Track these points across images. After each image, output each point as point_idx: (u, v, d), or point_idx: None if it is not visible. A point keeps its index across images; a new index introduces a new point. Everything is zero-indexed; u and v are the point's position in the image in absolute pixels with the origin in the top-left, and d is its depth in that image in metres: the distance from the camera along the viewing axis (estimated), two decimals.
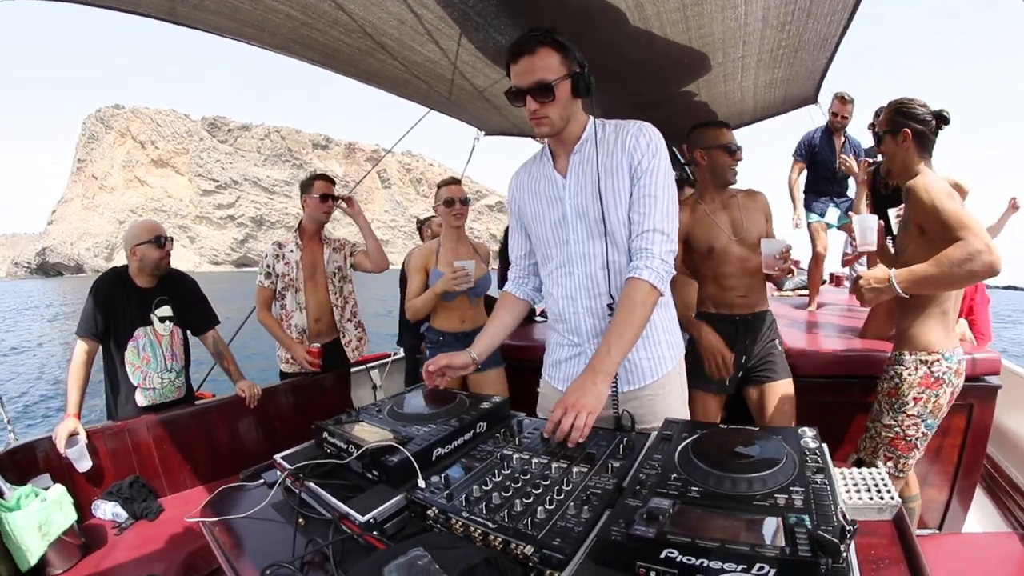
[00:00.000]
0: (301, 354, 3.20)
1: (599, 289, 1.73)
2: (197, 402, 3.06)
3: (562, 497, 1.07)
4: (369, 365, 4.43)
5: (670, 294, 1.80)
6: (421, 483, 1.10)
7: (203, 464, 2.79)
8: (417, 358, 3.96)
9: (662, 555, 0.83)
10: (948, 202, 1.92)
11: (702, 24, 2.21)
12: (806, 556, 0.78)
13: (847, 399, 2.76)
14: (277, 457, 1.38)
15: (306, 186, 3.35)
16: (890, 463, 2.18)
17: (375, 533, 1.03)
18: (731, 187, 2.63)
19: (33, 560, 2.02)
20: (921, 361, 2.11)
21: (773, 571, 0.77)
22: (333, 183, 3.41)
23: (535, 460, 1.23)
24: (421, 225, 4.74)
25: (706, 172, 2.58)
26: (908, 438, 2.15)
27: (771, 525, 0.86)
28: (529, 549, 0.91)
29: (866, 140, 4.71)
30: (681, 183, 3.59)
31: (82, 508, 2.38)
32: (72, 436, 2.46)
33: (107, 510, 2.43)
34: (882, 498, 1.28)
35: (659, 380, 1.77)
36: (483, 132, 4.07)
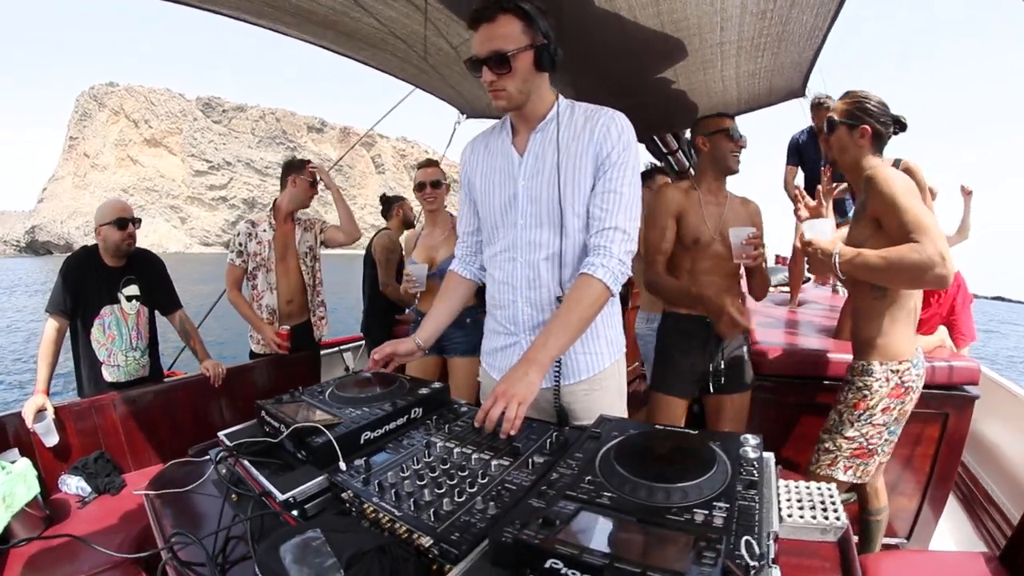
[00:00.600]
0: (270, 335, 3.22)
1: (541, 280, 1.66)
2: (165, 380, 3.09)
3: (475, 490, 1.06)
4: (342, 347, 4.47)
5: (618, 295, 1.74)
6: (342, 465, 1.12)
7: (167, 441, 2.84)
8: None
9: (547, 565, 0.78)
10: (909, 199, 1.86)
11: (674, 8, 2.16)
12: None
13: (813, 400, 2.73)
14: (220, 434, 1.40)
15: (298, 167, 3.35)
16: (850, 472, 2.13)
17: (294, 512, 1.06)
18: (728, 190, 2.58)
19: None
20: (892, 371, 2.06)
21: None
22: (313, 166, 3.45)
23: (457, 450, 1.23)
24: (389, 205, 4.57)
25: (707, 160, 2.53)
26: (871, 446, 2.11)
27: (678, 544, 0.80)
28: (428, 541, 0.91)
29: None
30: (654, 172, 3.56)
31: (49, 482, 2.45)
32: (40, 412, 2.51)
33: (72, 484, 2.47)
34: (827, 518, 1.18)
35: (595, 376, 1.72)
36: (464, 115, 4.05)
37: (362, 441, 1.25)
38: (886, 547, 2.72)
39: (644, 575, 0.71)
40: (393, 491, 1.04)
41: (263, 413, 1.38)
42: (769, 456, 1.15)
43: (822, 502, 1.21)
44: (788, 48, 2.52)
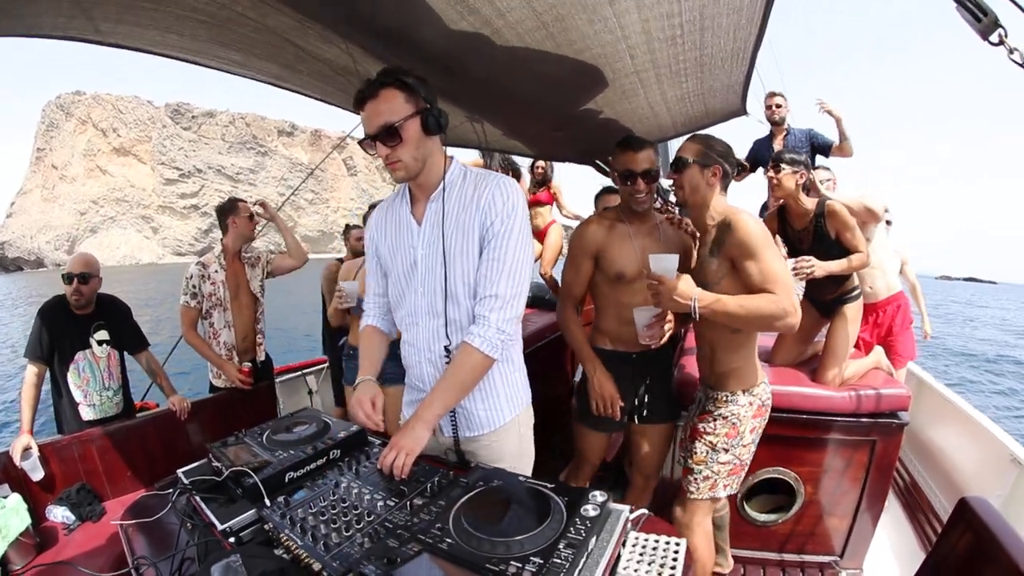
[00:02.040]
0: (234, 374, 3.48)
1: (440, 344, 1.74)
2: (139, 414, 3.36)
3: (360, 526, 1.29)
4: (305, 372, 4.71)
5: (514, 353, 1.86)
6: (267, 502, 1.42)
7: (142, 470, 3.09)
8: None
9: None
10: (768, 250, 1.96)
11: (572, 40, 2.04)
12: None
13: None
14: (179, 472, 1.68)
15: (229, 209, 3.57)
16: (728, 488, 2.24)
17: (231, 539, 1.36)
18: (657, 219, 2.52)
19: None
20: (753, 396, 2.18)
21: None
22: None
23: (356, 490, 1.47)
24: (345, 233, 4.71)
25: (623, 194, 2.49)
26: (742, 461, 2.23)
27: None
28: (317, 566, 1.17)
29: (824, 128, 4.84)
30: (603, 192, 3.74)
31: (37, 512, 2.65)
32: (26, 450, 2.75)
33: (58, 514, 2.70)
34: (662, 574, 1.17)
35: (496, 430, 1.82)
36: None
37: (287, 480, 1.53)
38: (816, 565, 2.90)
39: None
40: (299, 525, 1.32)
41: (211, 454, 1.68)
42: (620, 510, 1.28)
43: (664, 558, 1.20)
44: (713, 72, 2.43)
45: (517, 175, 5.17)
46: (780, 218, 3.05)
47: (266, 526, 1.38)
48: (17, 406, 3.02)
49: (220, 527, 1.38)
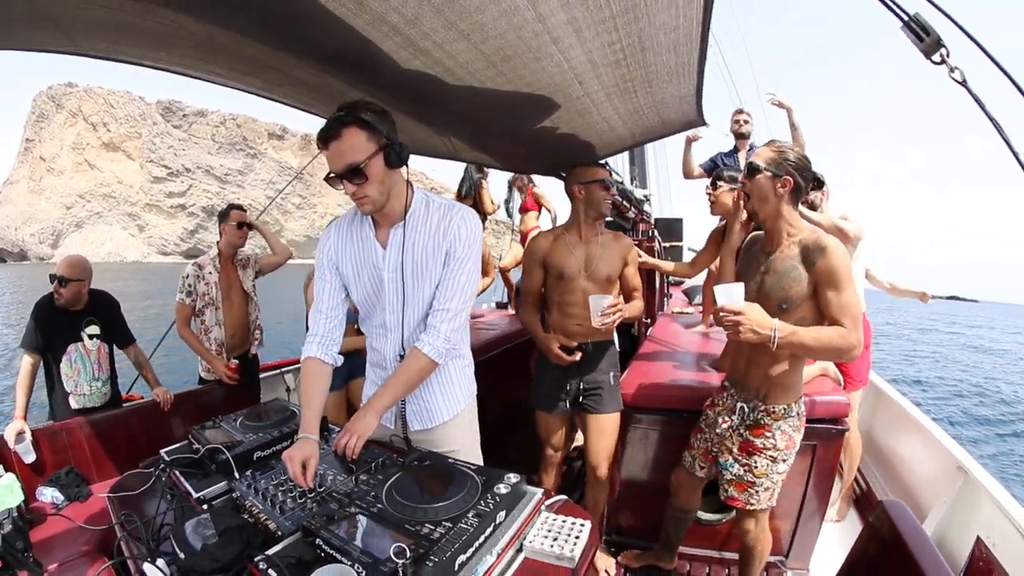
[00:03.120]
0: (221, 369, 3.71)
1: (404, 352, 1.93)
2: (124, 404, 3.57)
3: (312, 495, 1.56)
4: (284, 370, 4.89)
5: (457, 362, 2.06)
6: (236, 475, 1.68)
7: (125, 457, 3.26)
8: None
9: (316, 541, 1.28)
10: (849, 283, 1.99)
11: (521, 75, 2.11)
12: (385, 572, 1.12)
13: (678, 433, 2.81)
14: (162, 452, 1.93)
15: (223, 216, 3.85)
16: (775, 495, 2.31)
17: (204, 506, 1.60)
18: (601, 227, 2.84)
19: None
20: (800, 409, 2.24)
21: (363, 572, 1.16)
22: (245, 211, 3.93)
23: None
24: None
25: (581, 205, 2.78)
26: (789, 469, 2.31)
27: (392, 542, 1.19)
28: (273, 525, 1.44)
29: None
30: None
31: (28, 493, 2.78)
32: (20, 434, 2.93)
33: (48, 494, 2.84)
34: (561, 549, 1.35)
35: (452, 419, 2.04)
36: None
37: (255, 458, 1.79)
38: (766, 564, 2.85)
39: (356, 556, 1.19)
40: (261, 493, 1.58)
41: (191, 436, 1.93)
42: (533, 492, 1.55)
43: (567, 535, 1.41)
44: (662, 87, 2.47)
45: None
46: (724, 234, 3.12)
47: (234, 495, 1.63)
48: (11, 394, 3.23)
49: (195, 495, 1.63)
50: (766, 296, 2.12)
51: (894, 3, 1.33)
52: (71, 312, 3.31)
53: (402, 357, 1.91)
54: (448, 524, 1.31)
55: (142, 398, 3.81)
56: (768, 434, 2.21)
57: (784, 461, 2.24)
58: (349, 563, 1.20)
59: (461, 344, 2.05)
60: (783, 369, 2.16)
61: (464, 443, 2.08)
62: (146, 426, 3.47)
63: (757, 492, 2.26)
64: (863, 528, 1.95)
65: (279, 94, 2.48)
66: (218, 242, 3.92)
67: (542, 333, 2.80)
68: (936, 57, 1.33)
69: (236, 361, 3.85)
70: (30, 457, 2.99)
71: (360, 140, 1.65)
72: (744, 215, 2.52)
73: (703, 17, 1.74)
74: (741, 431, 2.30)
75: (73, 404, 3.32)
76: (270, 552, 1.29)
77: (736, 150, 5.17)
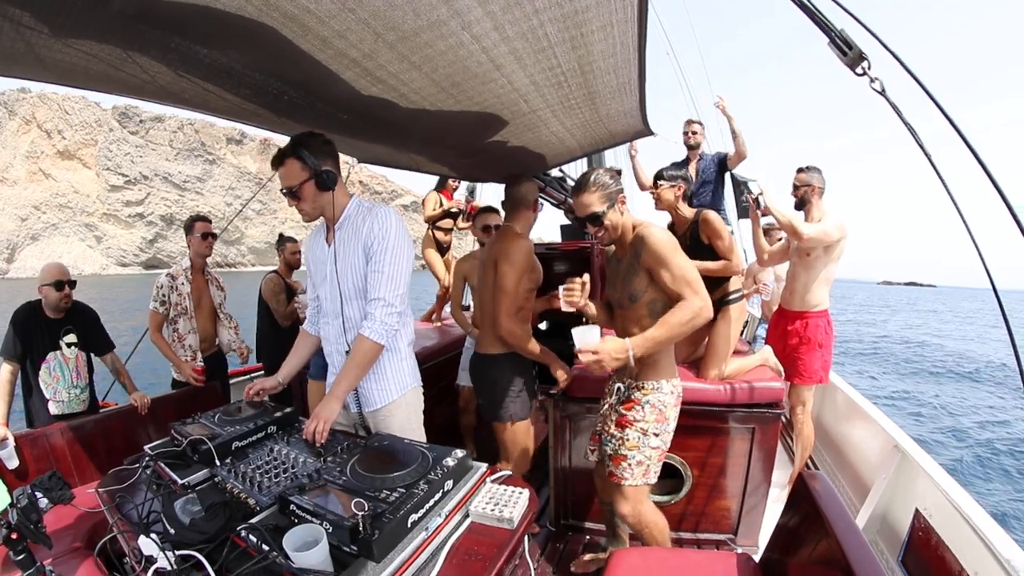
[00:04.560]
0: (188, 372, 3.91)
1: (343, 337, 2.30)
2: (101, 410, 3.69)
3: (285, 475, 1.76)
4: (252, 375, 5.06)
5: (403, 343, 2.36)
6: (217, 462, 1.86)
7: (105, 460, 3.36)
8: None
9: (290, 507, 1.50)
10: (675, 257, 2.18)
11: (470, 96, 2.29)
12: (348, 526, 1.34)
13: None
14: (146, 447, 2.08)
15: (188, 227, 4.07)
16: (652, 473, 2.39)
17: (189, 491, 1.77)
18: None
19: None
20: (673, 385, 2.38)
21: (330, 528, 1.37)
22: (209, 221, 4.16)
23: (285, 451, 1.94)
24: (279, 245, 5.11)
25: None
26: (666, 446, 2.41)
27: (356, 504, 1.41)
28: (252, 501, 1.63)
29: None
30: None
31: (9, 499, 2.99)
32: (2, 440, 3.02)
33: None
34: (502, 512, 1.60)
35: (388, 405, 2.32)
36: (356, 160, 3.95)
37: (233, 448, 1.97)
38: (713, 543, 3.16)
39: (324, 517, 1.41)
40: (242, 475, 1.77)
41: (173, 431, 2.10)
42: (478, 466, 1.84)
43: (507, 502, 1.66)
44: (606, 103, 2.65)
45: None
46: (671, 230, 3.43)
47: (216, 479, 1.81)
48: None
49: (180, 481, 1.80)
50: (621, 296, 2.40)
51: (823, 20, 1.48)
52: (51, 320, 3.43)
53: (342, 342, 2.31)
54: (402, 490, 1.55)
55: (116, 405, 3.94)
56: (638, 407, 2.35)
57: (656, 435, 2.35)
58: (318, 523, 1.42)
59: (399, 338, 2.33)
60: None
61: (403, 428, 2.32)
62: (124, 429, 3.60)
63: (630, 466, 2.36)
64: (788, 499, 2.10)
65: (247, 119, 2.69)
66: (188, 253, 4.13)
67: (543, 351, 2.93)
68: (859, 70, 1.49)
69: (202, 364, 4.05)
70: (13, 463, 3.08)
71: (295, 169, 2.12)
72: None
73: (638, 43, 1.94)
74: (617, 407, 2.45)
75: (52, 410, 3.43)
76: (252, 521, 1.50)
77: (688, 160, 5.41)
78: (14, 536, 1.56)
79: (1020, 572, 1.98)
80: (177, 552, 1.39)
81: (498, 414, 2.98)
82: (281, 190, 2.18)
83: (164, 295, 3.97)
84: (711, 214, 3.25)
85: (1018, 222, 1.45)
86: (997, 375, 19.04)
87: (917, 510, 2.79)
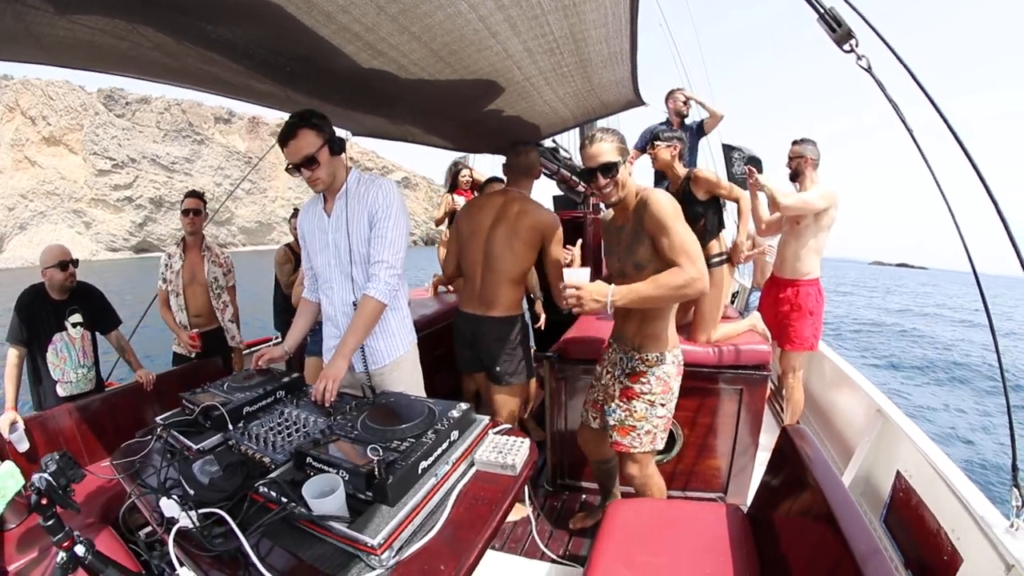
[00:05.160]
0: (184, 337, 4.06)
1: (348, 298, 2.40)
2: (106, 390, 3.75)
3: (299, 434, 1.84)
4: (253, 349, 4.98)
5: (404, 303, 2.50)
6: (230, 427, 1.92)
7: (113, 438, 3.36)
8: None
9: (307, 461, 1.58)
10: (675, 223, 2.16)
11: (466, 65, 2.36)
12: (362, 472, 1.43)
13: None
14: (158, 419, 2.12)
15: (181, 203, 4.14)
16: (660, 440, 2.47)
17: (205, 455, 1.84)
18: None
19: None
20: (675, 356, 2.44)
21: (347, 476, 1.46)
22: (199, 196, 4.22)
23: (295, 413, 2.01)
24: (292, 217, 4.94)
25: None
26: (671, 415, 2.49)
27: (369, 452, 1.52)
28: (267, 459, 1.70)
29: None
30: (492, 180, 4.15)
31: (24, 480, 3.00)
32: (13, 424, 3.05)
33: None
34: (505, 459, 1.72)
35: (395, 360, 2.46)
36: (350, 133, 3.89)
37: (244, 412, 2.03)
38: (703, 501, 3.14)
39: (340, 466, 1.50)
40: (256, 437, 1.83)
41: (184, 401, 2.15)
42: (482, 418, 1.93)
43: (510, 450, 1.77)
44: (598, 72, 2.70)
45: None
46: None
47: (230, 443, 1.87)
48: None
49: (195, 447, 1.86)
50: (623, 262, 2.40)
51: None
52: (55, 302, 3.46)
53: (355, 304, 2.38)
54: (412, 440, 1.63)
55: (119, 384, 4.02)
56: (644, 380, 2.41)
57: (662, 405, 2.43)
58: (335, 472, 1.50)
59: (400, 297, 2.47)
60: (651, 321, 2.39)
61: (408, 382, 2.49)
62: (131, 407, 3.66)
63: (639, 435, 2.43)
64: (773, 453, 2.19)
65: (245, 95, 2.76)
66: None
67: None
68: (846, 47, 1.53)
69: (196, 331, 4.16)
70: (24, 446, 3.12)
71: (311, 137, 2.18)
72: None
73: (631, 15, 2.02)
74: (621, 379, 2.50)
75: (60, 392, 3.47)
76: (269, 477, 1.57)
77: (669, 124, 5.46)
78: (44, 502, 1.62)
79: (994, 528, 2.04)
80: (199, 511, 1.45)
81: (514, 377, 3.03)
82: (287, 167, 2.25)
83: (162, 272, 4.12)
84: (700, 170, 3.36)
85: (995, 203, 1.51)
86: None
87: (898, 471, 2.88)
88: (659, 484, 2.58)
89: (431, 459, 1.61)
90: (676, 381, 2.46)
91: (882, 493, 3.02)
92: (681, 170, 3.47)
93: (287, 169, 2.27)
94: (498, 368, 3.00)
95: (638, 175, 5.34)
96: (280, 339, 5.03)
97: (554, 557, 2.88)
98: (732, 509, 2.26)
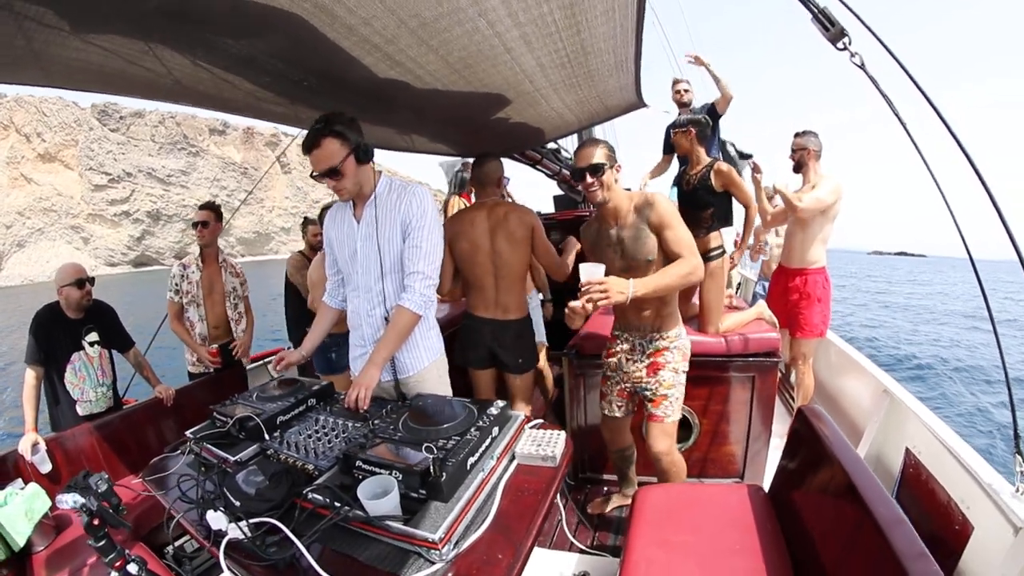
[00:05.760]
0: (203, 354, 4.01)
1: (377, 309, 2.37)
2: (124, 407, 3.72)
3: (338, 440, 1.88)
4: (265, 360, 5.15)
5: (430, 314, 2.43)
6: (266, 436, 1.94)
7: (136, 454, 3.43)
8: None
9: (356, 464, 1.62)
10: (676, 220, 2.43)
11: (480, 77, 2.43)
12: (417, 471, 1.48)
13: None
14: (188, 432, 2.13)
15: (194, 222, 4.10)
16: (679, 412, 2.69)
17: (242, 466, 1.84)
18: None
19: (22, 541, 2.56)
20: (684, 331, 2.71)
21: (401, 475, 1.51)
22: (211, 208, 4.16)
23: (332, 420, 2.04)
24: (303, 227, 4.91)
25: None
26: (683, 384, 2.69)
27: (418, 454, 1.58)
28: (311, 466, 1.73)
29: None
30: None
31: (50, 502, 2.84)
32: (34, 446, 3.04)
33: (68, 500, 2.77)
34: (545, 451, 1.79)
35: (419, 372, 2.44)
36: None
37: (278, 422, 2.05)
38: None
39: (393, 466, 1.55)
40: (295, 445, 1.86)
41: (215, 413, 2.17)
42: (517, 414, 2.02)
43: (548, 442, 1.85)
44: (604, 79, 2.80)
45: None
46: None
47: (268, 452, 1.90)
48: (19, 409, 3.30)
49: (232, 459, 1.88)
50: (631, 257, 2.54)
51: None
52: (72, 322, 3.44)
53: (386, 319, 2.35)
54: (457, 438, 1.69)
55: (136, 401, 3.94)
56: (668, 353, 2.65)
57: (684, 372, 2.68)
58: (387, 473, 1.54)
59: (429, 309, 2.40)
60: (667, 305, 2.63)
61: (434, 389, 2.46)
62: (151, 423, 3.67)
63: (670, 402, 2.64)
64: (790, 432, 2.29)
65: (258, 115, 2.81)
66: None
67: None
68: (840, 45, 1.57)
69: (215, 346, 4.13)
70: (46, 467, 3.11)
71: (335, 147, 2.09)
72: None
73: (636, 25, 2.08)
74: (643, 360, 2.71)
75: (80, 411, 3.45)
76: (317, 482, 1.62)
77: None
78: (96, 522, 1.60)
79: (1001, 494, 2.15)
80: (250, 520, 1.48)
81: (530, 365, 3.30)
82: (312, 174, 2.17)
83: (176, 284, 4.04)
84: (723, 165, 3.43)
85: (986, 186, 1.55)
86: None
87: (907, 449, 2.97)
88: (682, 461, 2.76)
89: (477, 455, 1.68)
90: (688, 351, 2.72)
91: (892, 471, 3.09)
92: (704, 156, 3.52)
93: (312, 176, 2.19)
94: (520, 361, 3.25)
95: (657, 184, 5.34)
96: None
97: (582, 547, 2.95)
98: (753, 489, 2.35)
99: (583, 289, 2.26)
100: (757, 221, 3.75)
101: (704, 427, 3.32)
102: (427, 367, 2.48)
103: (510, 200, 3.78)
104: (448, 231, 3.17)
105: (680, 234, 2.43)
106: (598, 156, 2.42)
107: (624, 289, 2.25)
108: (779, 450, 2.32)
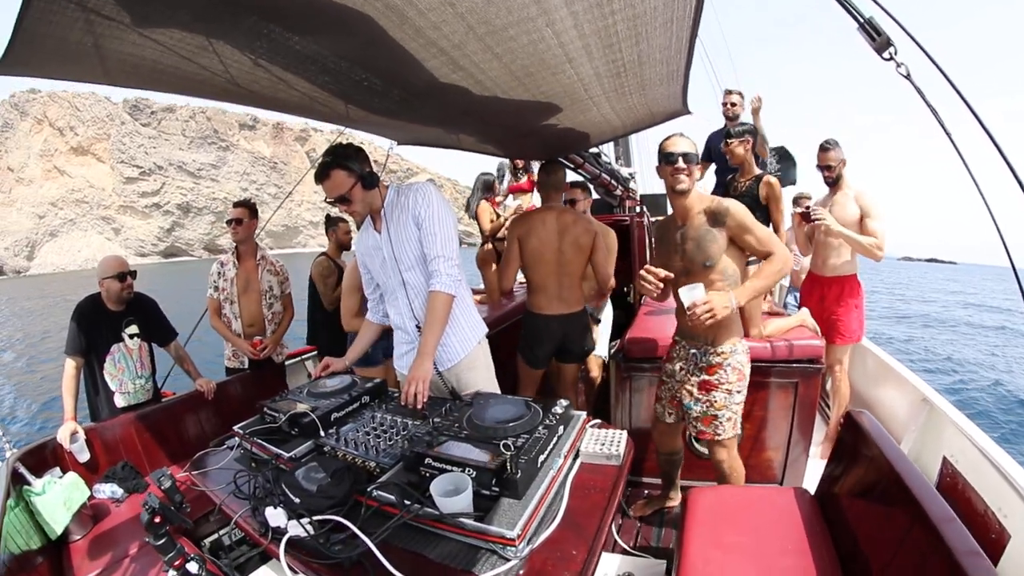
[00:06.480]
0: (246, 347, 4.05)
1: (412, 305, 2.50)
2: (164, 399, 3.77)
3: (399, 438, 1.88)
4: (303, 357, 5.17)
5: (465, 293, 2.54)
6: (322, 433, 1.95)
7: (175, 446, 3.47)
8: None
9: (424, 462, 1.61)
10: (755, 222, 2.50)
11: (539, 85, 2.45)
12: (491, 468, 1.48)
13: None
14: (236, 427, 2.16)
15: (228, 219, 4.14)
16: (739, 424, 2.70)
17: (297, 463, 1.83)
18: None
19: (60, 529, 2.61)
20: (744, 346, 2.66)
21: (475, 473, 1.50)
22: (245, 205, 4.17)
23: (389, 417, 2.05)
24: (328, 226, 4.84)
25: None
26: (744, 398, 2.68)
27: (488, 453, 1.57)
28: (372, 464, 1.74)
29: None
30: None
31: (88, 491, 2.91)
32: (73, 435, 3.08)
33: (106, 490, 2.96)
34: (609, 450, 1.82)
35: (468, 356, 2.53)
36: (395, 143, 3.88)
37: (332, 419, 2.05)
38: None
39: (465, 463, 1.54)
40: (353, 442, 1.87)
41: (265, 409, 2.17)
42: (579, 413, 2.05)
43: (610, 441, 1.88)
44: (654, 88, 2.78)
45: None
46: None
47: (324, 448, 1.90)
48: (58, 400, 3.34)
49: (287, 456, 1.88)
50: (690, 260, 2.58)
51: (853, 8, 1.55)
52: (112, 313, 3.48)
53: (413, 309, 2.51)
54: (526, 436, 1.69)
55: (174, 394, 3.99)
56: (721, 371, 2.61)
57: (739, 392, 2.64)
58: (460, 470, 1.54)
59: (462, 287, 2.52)
60: (724, 317, 2.50)
61: (484, 380, 2.60)
62: (192, 415, 3.71)
63: (721, 423, 2.64)
64: (839, 436, 2.36)
65: (310, 114, 2.86)
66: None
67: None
68: (886, 55, 1.55)
69: (259, 337, 4.16)
70: (84, 456, 3.16)
71: (342, 177, 2.32)
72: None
73: (690, 37, 2.06)
74: (696, 373, 2.69)
75: (119, 403, 3.49)
76: (382, 479, 1.64)
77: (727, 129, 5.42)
78: (157, 520, 1.55)
79: None
80: (314, 518, 1.49)
81: (591, 348, 3.69)
82: (326, 200, 2.37)
83: (214, 281, 4.10)
84: (772, 179, 3.79)
85: None
86: None
87: (944, 457, 2.98)
88: (741, 467, 2.79)
89: (547, 452, 1.70)
90: (747, 367, 2.67)
91: (929, 477, 3.05)
92: (755, 167, 3.70)
93: (326, 200, 2.39)
94: (585, 347, 3.65)
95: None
96: (317, 353, 5.12)
97: (626, 547, 2.97)
98: (799, 492, 2.41)
99: (688, 313, 2.34)
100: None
101: (746, 431, 3.31)
102: (475, 348, 2.59)
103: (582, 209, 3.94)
104: (518, 229, 3.40)
105: (762, 233, 2.50)
106: (691, 146, 2.51)
107: (727, 303, 2.33)
108: (816, 457, 2.37)
